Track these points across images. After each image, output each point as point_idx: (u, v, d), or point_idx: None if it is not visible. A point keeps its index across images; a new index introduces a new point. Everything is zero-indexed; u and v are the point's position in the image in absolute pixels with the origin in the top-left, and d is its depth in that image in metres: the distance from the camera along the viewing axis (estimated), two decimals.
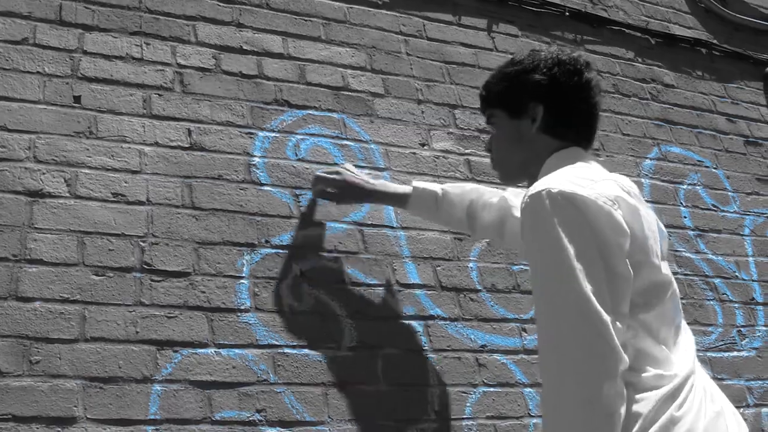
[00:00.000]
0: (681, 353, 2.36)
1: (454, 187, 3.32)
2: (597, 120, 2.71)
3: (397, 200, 3.37)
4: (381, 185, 3.39)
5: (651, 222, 2.44)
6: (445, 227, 3.58)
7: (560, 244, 2.20)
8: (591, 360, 2.12)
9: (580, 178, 2.33)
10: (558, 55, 2.68)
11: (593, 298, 2.14)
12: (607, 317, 2.13)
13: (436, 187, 3.32)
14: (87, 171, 3.15)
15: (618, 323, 2.17)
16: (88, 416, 2.73)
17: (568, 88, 2.63)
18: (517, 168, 2.74)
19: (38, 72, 3.29)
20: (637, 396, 2.18)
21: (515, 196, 3.15)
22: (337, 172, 3.36)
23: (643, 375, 2.22)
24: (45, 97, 3.24)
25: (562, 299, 2.20)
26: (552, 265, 2.24)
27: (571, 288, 2.17)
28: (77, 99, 3.29)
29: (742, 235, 4.68)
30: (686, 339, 2.46)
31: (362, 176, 3.39)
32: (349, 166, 3.43)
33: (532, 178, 2.55)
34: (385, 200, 3.42)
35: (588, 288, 2.15)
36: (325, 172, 3.39)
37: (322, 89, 3.83)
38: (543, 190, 2.27)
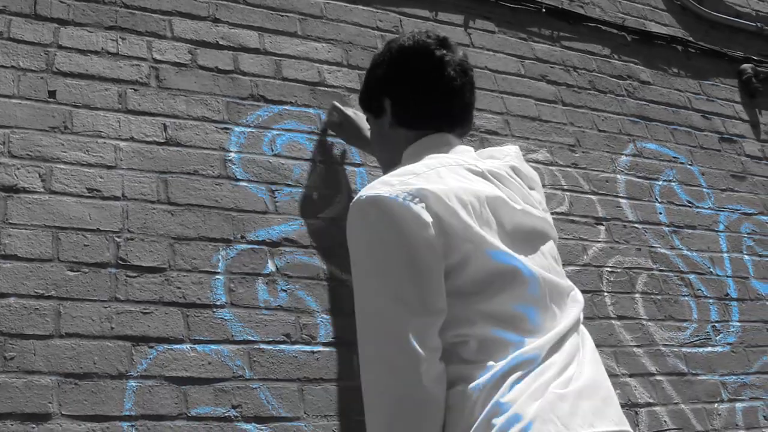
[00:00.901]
0: (539, 336, 2.24)
1: None
2: (457, 99, 2.60)
3: None
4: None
5: (494, 204, 2.34)
6: None
7: (364, 252, 2.24)
8: (387, 371, 2.13)
9: (398, 175, 2.29)
10: (403, 42, 2.64)
11: (391, 304, 2.15)
12: (403, 320, 2.12)
13: None
14: (62, 166, 3.14)
15: (428, 321, 2.14)
16: (63, 412, 2.72)
17: (409, 74, 2.59)
18: (386, 162, 2.72)
19: (13, 66, 3.27)
20: (467, 390, 2.11)
21: None
22: (340, 109, 3.58)
23: (479, 367, 2.14)
24: (19, 92, 3.22)
25: (361, 307, 2.23)
26: (359, 273, 2.26)
27: (369, 294, 2.20)
28: (52, 94, 3.27)
29: (717, 231, 4.71)
30: (560, 322, 2.32)
31: (355, 121, 3.51)
32: (355, 111, 3.56)
33: None
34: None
35: (385, 292, 2.16)
36: (339, 109, 3.59)
37: (298, 85, 3.82)
38: (356, 199, 2.27)
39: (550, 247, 2.49)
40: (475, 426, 2.05)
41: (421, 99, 2.59)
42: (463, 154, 2.49)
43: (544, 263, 2.39)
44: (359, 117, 3.44)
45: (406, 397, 2.09)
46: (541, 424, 2.02)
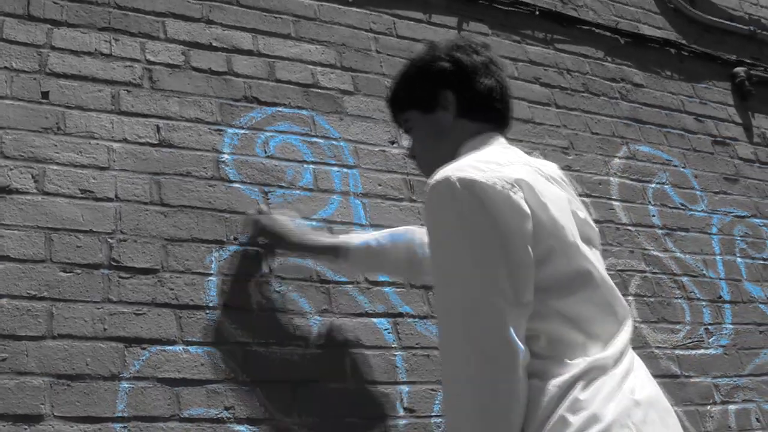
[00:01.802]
0: (607, 341, 2.27)
1: (384, 235, 3.25)
2: (509, 97, 2.67)
3: (329, 251, 3.23)
4: (312, 237, 3.27)
5: (567, 207, 2.37)
6: (386, 274, 3.47)
7: (456, 236, 2.18)
8: (484, 361, 2.08)
9: (483, 162, 2.28)
10: (454, 41, 2.67)
11: (486, 292, 2.11)
12: (501, 310, 2.09)
13: (366, 234, 3.28)
14: (55, 167, 3.13)
15: (520, 312, 2.12)
16: (56, 414, 2.71)
17: (472, 66, 2.60)
18: (440, 160, 2.56)
19: (5, 67, 3.27)
20: (543, 384, 2.11)
21: None
22: (268, 221, 3.27)
23: (554, 363, 2.15)
24: (12, 93, 3.22)
25: (452, 296, 2.18)
26: (447, 258, 2.21)
27: (463, 283, 2.14)
28: (45, 95, 3.27)
29: (710, 233, 4.71)
30: (620, 329, 2.36)
31: (291, 225, 3.29)
32: (285, 212, 3.36)
33: None
34: (316, 251, 3.26)
35: (481, 281, 2.12)
36: (256, 216, 3.30)
37: (291, 86, 3.82)
38: (442, 178, 2.23)
39: (600, 252, 2.51)
40: (552, 422, 2.05)
41: (484, 89, 2.60)
42: (522, 155, 2.51)
43: (604, 270, 2.41)
44: (287, 218, 3.33)
45: (503, 390, 2.06)
46: (618, 428, 2.04)
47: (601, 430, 2.02)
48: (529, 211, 2.18)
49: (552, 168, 2.51)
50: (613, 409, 2.07)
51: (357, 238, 3.25)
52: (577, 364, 2.14)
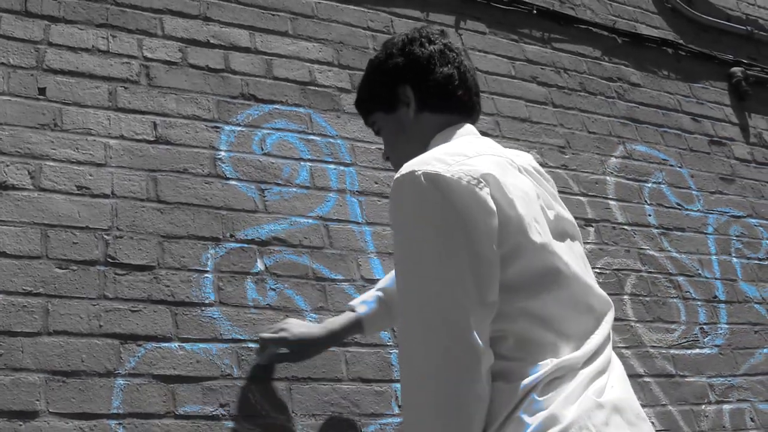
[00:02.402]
0: (580, 340, 2.21)
1: (387, 280, 3.17)
2: (472, 82, 2.60)
3: (353, 329, 3.11)
4: (330, 326, 3.09)
5: (535, 202, 2.29)
6: None
7: (419, 232, 2.10)
8: (445, 361, 2.02)
9: (450, 154, 2.20)
10: (408, 34, 2.62)
11: (449, 291, 2.04)
12: (464, 309, 2.03)
13: (372, 294, 3.15)
14: (51, 163, 3.13)
15: (483, 312, 2.06)
16: (51, 410, 2.71)
17: (426, 57, 2.54)
18: (410, 157, 2.43)
19: (2, 63, 3.27)
20: (507, 386, 2.05)
21: None
22: (283, 329, 3.07)
23: (521, 365, 2.09)
24: (9, 89, 3.22)
25: (414, 293, 2.10)
26: (410, 255, 2.14)
27: (425, 280, 2.07)
28: (42, 91, 3.27)
29: (706, 233, 4.72)
30: (597, 326, 2.29)
31: (308, 325, 3.16)
32: (292, 320, 3.17)
33: None
34: (342, 336, 3.13)
35: (444, 279, 2.05)
36: (270, 332, 3.08)
37: (288, 84, 3.82)
38: (406, 172, 2.15)
39: (581, 251, 2.44)
40: (509, 423, 2.02)
41: (443, 79, 2.53)
42: (493, 145, 2.43)
43: (580, 266, 2.36)
44: (297, 322, 3.16)
45: (463, 391, 2.01)
46: (576, 430, 1.98)
47: None
48: (494, 208, 2.10)
49: (526, 159, 2.44)
50: (573, 411, 2.01)
51: (367, 298, 3.14)
52: (543, 365, 2.08)
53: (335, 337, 3.07)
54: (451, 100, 2.54)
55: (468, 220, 2.07)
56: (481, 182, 2.10)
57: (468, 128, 2.52)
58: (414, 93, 2.54)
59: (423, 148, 2.43)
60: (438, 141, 2.45)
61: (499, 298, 2.10)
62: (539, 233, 2.20)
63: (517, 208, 2.15)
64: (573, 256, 2.33)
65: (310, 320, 3.25)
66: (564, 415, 2.00)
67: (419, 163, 2.16)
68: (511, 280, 2.12)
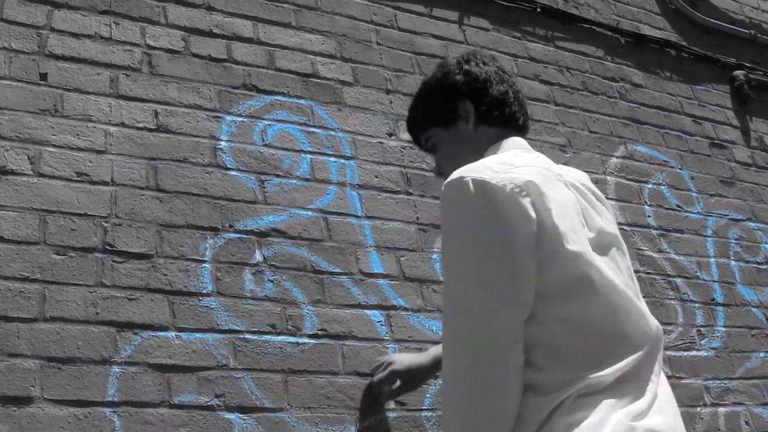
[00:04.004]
0: (616, 353, 2.18)
1: None
2: (523, 100, 2.72)
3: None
4: (435, 352, 3.15)
5: (574, 213, 2.30)
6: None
7: (464, 235, 2.20)
8: (478, 365, 2.10)
9: (498, 163, 2.28)
10: (464, 56, 2.72)
11: (487, 292, 2.12)
12: (496, 306, 2.10)
13: None
14: (51, 149, 3.12)
15: (518, 314, 2.11)
16: (46, 396, 2.70)
17: (484, 75, 2.64)
18: None
19: (4, 48, 3.25)
20: (536, 399, 2.07)
21: None
22: (390, 363, 3.21)
23: (548, 376, 2.10)
24: (10, 73, 3.21)
25: (455, 293, 2.21)
26: (453, 256, 2.24)
27: (465, 281, 2.16)
28: (43, 76, 3.26)
29: (705, 236, 4.71)
30: (633, 343, 2.25)
31: (414, 355, 3.30)
32: (395, 355, 3.32)
33: None
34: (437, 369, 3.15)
35: (483, 281, 2.13)
36: (380, 372, 3.21)
37: (291, 76, 3.81)
38: (456, 177, 2.24)
39: (626, 265, 2.46)
40: None
41: (499, 96, 2.63)
42: (543, 159, 2.50)
43: (621, 279, 2.36)
44: (400, 355, 3.33)
45: (494, 394, 2.08)
46: None
47: None
48: (534, 215, 2.15)
49: (577, 175, 2.51)
50: None
51: None
52: (572, 381, 2.08)
53: (434, 369, 3.18)
54: (505, 115, 2.63)
55: (508, 224, 2.14)
56: (524, 190, 2.17)
57: (519, 141, 2.60)
58: (474, 107, 2.62)
59: (479, 158, 2.48)
60: (491, 151, 2.54)
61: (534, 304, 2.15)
62: (575, 243, 2.21)
63: (554, 217, 2.19)
64: (615, 269, 2.34)
65: (413, 350, 3.33)
66: None
67: (469, 170, 2.24)
68: (543, 286, 2.15)
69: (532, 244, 2.13)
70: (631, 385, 2.17)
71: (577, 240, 2.23)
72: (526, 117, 2.72)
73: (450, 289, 2.23)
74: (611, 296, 2.24)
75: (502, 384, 2.07)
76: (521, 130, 2.68)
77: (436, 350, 3.14)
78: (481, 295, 2.11)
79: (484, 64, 2.68)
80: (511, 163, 2.28)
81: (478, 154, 2.54)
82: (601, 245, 2.35)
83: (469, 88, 2.64)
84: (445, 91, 2.69)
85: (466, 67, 2.67)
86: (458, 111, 2.64)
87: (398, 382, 3.20)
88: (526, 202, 2.15)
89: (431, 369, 3.18)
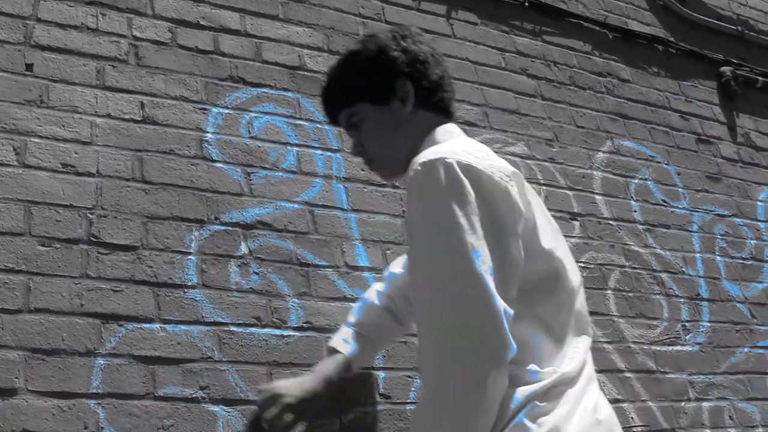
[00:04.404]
0: (572, 351, 2.23)
1: (360, 311, 3.11)
2: (453, 86, 2.65)
3: (343, 370, 2.97)
4: (325, 375, 2.93)
5: (544, 208, 2.34)
6: (396, 326, 3.19)
7: (454, 218, 2.06)
8: (481, 348, 1.98)
9: (473, 149, 2.22)
10: (398, 31, 2.61)
11: (487, 280, 2.01)
12: (500, 302, 2.00)
13: (348, 332, 3.03)
14: (37, 140, 3.11)
15: (509, 310, 2.03)
16: (30, 388, 2.69)
17: (424, 55, 2.55)
18: (400, 155, 2.52)
19: None
20: (511, 391, 2.05)
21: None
22: (280, 397, 2.84)
23: (522, 369, 2.10)
24: None
25: (451, 278, 2.05)
26: (442, 238, 2.08)
27: (463, 266, 2.02)
28: (29, 67, 3.24)
29: (691, 231, 4.72)
30: (583, 339, 2.32)
31: (302, 381, 2.92)
32: (281, 383, 2.95)
33: None
34: (337, 382, 2.97)
35: (481, 268, 2.01)
36: (272, 407, 2.83)
37: (278, 68, 3.81)
38: (437, 158, 2.13)
39: (575, 264, 2.44)
40: (507, 423, 2.02)
41: (438, 80, 2.56)
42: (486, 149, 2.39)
43: (576, 276, 2.37)
44: (287, 383, 2.95)
45: (492, 376, 1.98)
46: None
47: None
48: (522, 207, 2.14)
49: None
50: (575, 426, 2.05)
51: (346, 336, 3.02)
52: (546, 374, 2.11)
53: (332, 385, 2.93)
54: (443, 101, 2.57)
55: (497, 215, 2.09)
56: (511, 180, 2.14)
57: (459, 130, 2.54)
58: (414, 88, 2.53)
59: (415, 144, 2.45)
60: (435, 138, 2.45)
61: None
62: (549, 238, 2.22)
63: (534, 211, 2.19)
64: (572, 265, 2.35)
65: (296, 374, 3.08)
66: (567, 429, 2.03)
67: (447, 152, 2.15)
68: (524, 281, 2.14)
69: (519, 236, 2.11)
70: (586, 376, 2.21)
71: (547, 236, 2.24)
72: (454, 105, 2.64)
73: (442, 285, 2.07)
74: (573, 293, 2.26)
75: (504, 386, 2.02)
76: (451, 117, 2.60)
77: (324, 372, 2.92)
78: (484, 292, 2.00)
79: (421, 42, 2.59)
80: (483, 152, 2.24)
81: (414, 138, 2.48)
82: (560, 240, 2.37)
83: (409, 67, 2.54)
84: (382, 67, 2.56)
85: (404, 44, 2.56)
86: (395, 90, 2.54)
87: (291, 416, 2.85)
88: (514, 192, 2.13)
89: (323, 394, 2.89)
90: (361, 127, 2.63)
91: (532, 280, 2.16)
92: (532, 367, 2.11)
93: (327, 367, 2.95)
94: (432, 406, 2.05)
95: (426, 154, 2.18)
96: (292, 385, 2.89)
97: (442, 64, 2.60)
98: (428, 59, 2.55)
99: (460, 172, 2.09)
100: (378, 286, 3.17)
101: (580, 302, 2.34)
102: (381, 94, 2.56)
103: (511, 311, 2.04)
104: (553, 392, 2.09)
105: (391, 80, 2.54)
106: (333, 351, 3.00)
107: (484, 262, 2.03)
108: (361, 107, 2.61)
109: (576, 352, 2.25)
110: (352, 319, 3.09)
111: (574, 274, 2.34)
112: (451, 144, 2.29)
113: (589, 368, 2.28)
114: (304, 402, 2.84)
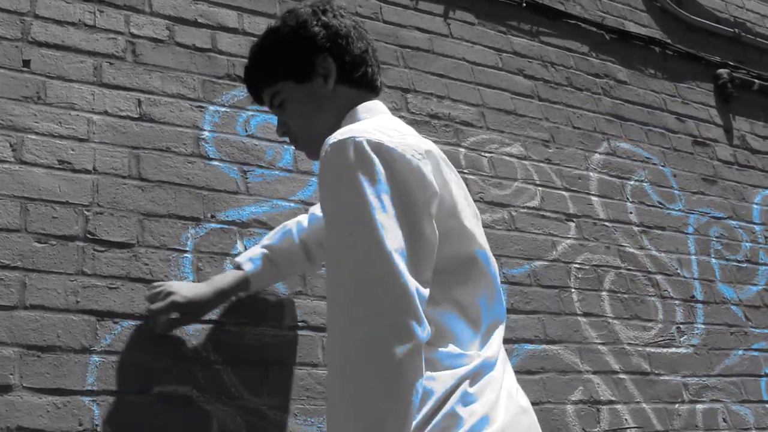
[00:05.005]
0: (489, 336, 2.18)
1: (276, 236, 3.13)
2: (378, 61, 2.57)
3: (240, 287, 3.03)
4: (218, 285, 2.98)
5: (463, 188, 2.26)
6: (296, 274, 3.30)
7: (363, 198, 1.96)
8: (392, 331, 1.86)
9: (386, 128, 2.12)
10: (318, 5, 2.54)
11: (397, 260, 1.91)
12: (412, 282, 1.90)
13: (257, 251, 3.08)
14: (33, 137, 3.10)
15: (422, 291, 1.94)
16: (24, 384, 2.69)
17: (345, 29, 2.49)
18: (324, 132, 2.30)
19: None
20: (433, 374, 1.98)
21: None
22: (171, 294, 2.88)
23: (442, 352, 2.03)
24: None
25: (360, 259, 1.94)
26: (351, 219, 1.98)
27: (373, 247, 1.92)
28: (26, 63, 3.24)
29: (686, 233, 4.73)
30: (498, 324, 2.26)
31: (195, 286, 2.99)
32: (175, 283, 2.97)
33: None
34: (230, 294, 3.03)
35: (391, 248, 1.92)
36: (158, 301, 2.88)
37: None
38: (346, 137, 2.04)
39: (489, 249, 2.35)
40: (442, 414, 1.96)
41: (360, 54, 2.50)
42: (406, 125, 2.32)
43: (493, 261, 2.33)
44: (179, 285, 2.97)
45: (407, 360, 1.86)
46: None
47: None
48: (436, 187, 2.06)
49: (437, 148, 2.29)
50: (502, 413, 2.02)
51: (253, 255, 3.07)
52: (471, 358, 2.08)
53: (224, 296, 2.99)
54: (366, 76, 2.50)
55: (409, 194, 2.01)
56: (425, 159, 2.06)
57: (382, 106, 2.47)
58: (335, 64, 2.47)
59: (337, 121, 2.39)
60: (355, 115, 2.40)
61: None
62: (468, 219, 2.18)
63: (452, 190, 2.13)
64: (489, 250, 2.31)
65: (190, 281, 3.14)
66: (496, 418, 2.00)
67: (358, 131, 2.07)
68: (440, 262, 2.07)
69: (433, 217, 2.04)
70: (502, 359, 2.20)
71: (470, 217, 2.21)
72: (380, 79, 2.58)
73: (351, 265, 1.96)
74: (490, 277, 2.24)
75: (422, 369, 1.92)
76: (377, 93, 2.55)
77: (219, 282, 2.97)
78: (394, 273, 1.90)
79: (342, 16, 2.52)
80: (397, 130, 2.16)
81: (336, 115, 2.43)
82: (477, 220, 2.31)
83: (330, 42, 2.47)
84: (302, 43, 2.49)
85: (324, 18, 2.49)
86: (316, 67, 2.47)
87: (177, 315, 2.90)
88: (428, 171, 2.05)
89: (211, 302, 2.95)
90: (285, 106, 2.57)
91: (449, 262, 2.11)
92: (454, 349, 2.06)
93: (225, 279, 3.01)
94: (344, 398, 1.91)
95: (337, 134, 2.09)
96: (184, 286, 2.94)
97: (365, 38, 2.53)
98: (350, 33, 2.49)
99: (369, 151, 2.01)
100: (303, 219, 3.17)
101: (497, 286, 2.31)
102: (302, 71, 2.49)
103: (425, 292, 1.96)
104: (479, 377, 2.06)
105: (311, 57, 2.47)
106: (237, 267, 3.05)
107: (395, 242, 1.94)
108: (283, 86, 2.54)
109: (492, 337, 2.22)
110: (267, 241, 3.12)
111: (491, 259, 2.30)
112: (367, 123, 2.20)
113: (503, 352, 2.26)
114: (191, 304, 2.90)
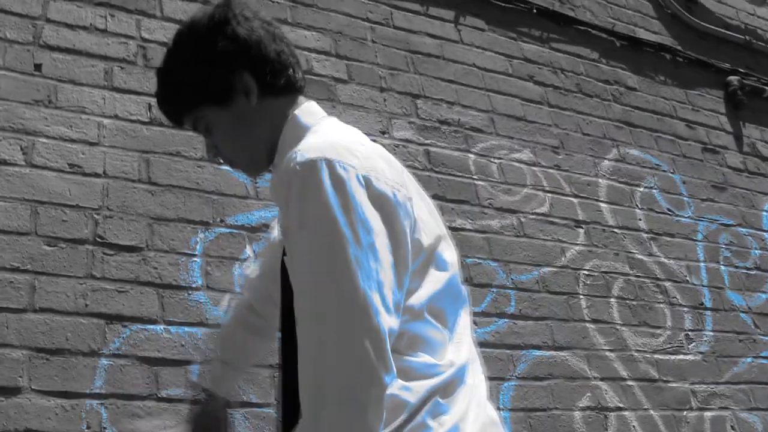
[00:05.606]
0: (460, 335, 2.13)
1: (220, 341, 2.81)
2: (297, 55, 2.29)
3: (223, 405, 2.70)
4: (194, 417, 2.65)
5: (421, 192, 2.16)
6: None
7: (336, 228, 1.86)
8: (361, 377, 1.80)
9: (349, 144, 2.00)
10: (218, 15, 2.23)
11: (372, 299, 1.84)
12: (385, 322, 1.84)
13: (218, 366, 2.73)
14: (44, 140, 3.11)
15: (394, 326, 1.88)
16: (33, 387, 2.70)
17: (255, 35, 2.21)
18: (262, 150, 2.24)
19: None
20: (408, 384, 1.93)
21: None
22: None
23: (416, 362, 1.97)
24: (5, 63, 3.20)
25: (332, 289, 1.86)
26: (324, 253, 1.89)
27: (346, 284, 1.85)
28: (38, 67, 3.25)
29: (695, 240, 4.72)
30: (462, 314, 2.19)
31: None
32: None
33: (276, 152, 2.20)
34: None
35: (365, 284, 1.85)
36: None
37: None
38: (317, 157, 1.91)
39: (449, 240, 2.26)
40: (411, 425, 1.90)
41: (278, 59, 2.24)
42: (349, 127, 2.21)
43: (453, 253, 2.31)
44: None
45: (372, 402, 1.82)
46: None
47: None
48: (411, 212, 2.00)
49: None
50: (471, 425, 1.98)
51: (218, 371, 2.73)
52: (444, 366, 2.01)
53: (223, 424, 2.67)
54: (290, 81, 2.26)
55: (386, 222, 1.94)
56: (397, 184, 1.99)
57: (316, 107, 2.29)
58: (253, 77, 2.21)
59: (274, 134, 2.23)
60: (299, 123, 2.23)
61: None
62: (432, 230, 2.16)
63: (415, 206, 2.09)
64: (447, 241, 2.28)
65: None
66: (464, 429, 1.97)
67: (328, 149, 1.95)
68: (414, 277, 2.03)
69: (408, 240, 1.98)
70: (475, 367, 2.18)
71: (434, 226, 2.18)
72: (301, 74, 2.29)
73: (322, 296, 1.88)
74: (456, 283, 2.22)
75: (389, 369, 1.85)
76: (302, 91, 2.31)
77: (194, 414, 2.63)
78: (364, 308, 1.83)
79: (247, 20, 2.23)
80: (359, 142, 2.04)
81: (271, 130, 2.24)
82: (435, 217, 2.28)
83: (243, 56, 2.20)
84: (213, 64, 2.22)
85: (228, 30, 2.20)
86: (235, 85, 2.21)
87: None
88: (401, 195, 1.97)
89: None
90: (211, 130, 2.30)
91: (420, 273, 2.04)
92: (428, 359, 2.00)
93: (195, 410, 2.67)
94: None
95: (304, 150, 1.97)
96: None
97: (277, 36, 2.25)
98: (261, 38, 2.22)
99: (343, 176, 1.91)
100: (233, 302, 3.00)
101: (458, 277, 2.28)
102: (220, 94, 2.23)
103: (396, 327, 1.90)
104: (451, 387, 2.05)
105: (226, 77, 2.22)
106: (210, 393, 2.70)
107: (369, 277, 1.87)
108: (204, 111, 2.26)
109: (461, 334, 2.19)
110: (217, 352, 2.75)
111: (450, 252, 2.27)
112: (329, 137, 2.08)
113: (473, 347, 2.23)
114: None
